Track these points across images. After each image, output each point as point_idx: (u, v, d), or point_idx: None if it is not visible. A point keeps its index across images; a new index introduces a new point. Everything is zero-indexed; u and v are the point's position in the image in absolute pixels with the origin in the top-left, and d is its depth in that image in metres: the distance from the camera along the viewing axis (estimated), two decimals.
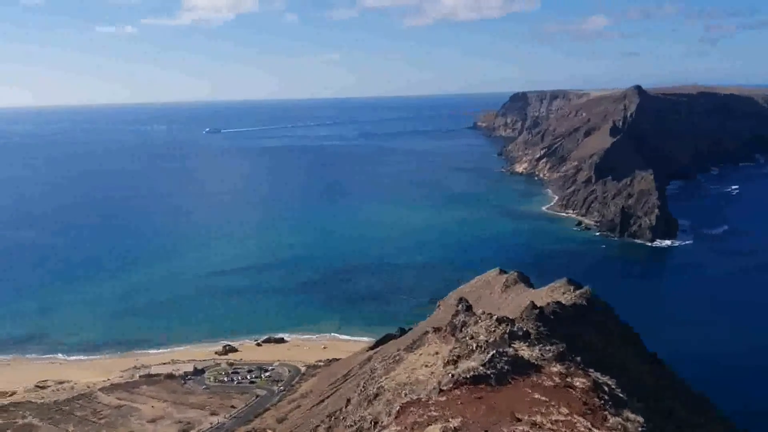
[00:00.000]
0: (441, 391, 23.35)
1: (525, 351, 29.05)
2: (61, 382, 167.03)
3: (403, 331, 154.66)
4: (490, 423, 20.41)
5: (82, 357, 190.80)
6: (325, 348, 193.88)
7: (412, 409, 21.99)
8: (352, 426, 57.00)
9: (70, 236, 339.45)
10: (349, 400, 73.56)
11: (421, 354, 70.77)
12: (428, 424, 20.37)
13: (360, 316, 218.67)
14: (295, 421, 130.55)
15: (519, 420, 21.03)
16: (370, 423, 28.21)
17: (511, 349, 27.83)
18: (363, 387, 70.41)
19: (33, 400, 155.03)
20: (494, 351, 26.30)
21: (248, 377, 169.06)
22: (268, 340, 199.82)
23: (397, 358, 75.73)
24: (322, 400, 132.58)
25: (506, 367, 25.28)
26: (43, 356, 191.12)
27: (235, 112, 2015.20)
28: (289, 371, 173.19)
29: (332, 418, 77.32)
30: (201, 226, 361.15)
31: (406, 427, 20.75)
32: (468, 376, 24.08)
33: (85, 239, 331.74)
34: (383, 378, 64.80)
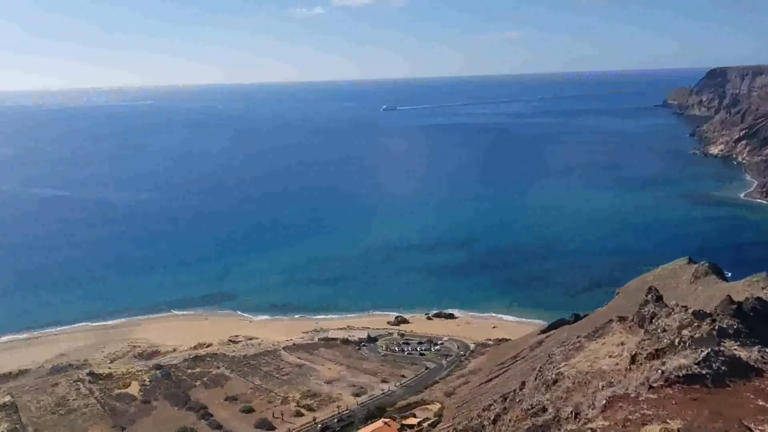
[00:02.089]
0: (651, 387, 21.84)
1: (740, 351, 26.40)
2: (250, 339, 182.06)
3: (577, 317, 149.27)
4: (716, 430, 18.69)
5: (267, 317, 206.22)
6: (494, 327, 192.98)
7: (620, 404, 20.80)
8: (529, 409, 56.04)
9: (263, 205, 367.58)
10: (524, 383, 72.49)
11: (603, 343, 67.55)
12: (643, 424, 19.13)
13: (531, 298, 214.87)
14: (463, 396, 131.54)
15: (750, 430, 19.07)
16: (570, 413, 27.24)
17: (725, 349, 25.40)
18: (540, 371, 68.91)
19: (226, 353, 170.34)
20: (709, 349, 24.15)
21: (418, 349, 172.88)
22: (438, 315, 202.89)
23: (577, 345, 72.95)
24: (491, 379, 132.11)
25: (723, 367, 23.13)
26: (235, 314, 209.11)
27: (414, 89, 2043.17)
28: (458, 347, 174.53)
29: (507, 399, 76.58)
30: (380, 202, 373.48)
31: (616, 423, 19.67)
32: (680, 375, 22.32)
33: (276, 209, 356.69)
34: (562, 364, 62.76)
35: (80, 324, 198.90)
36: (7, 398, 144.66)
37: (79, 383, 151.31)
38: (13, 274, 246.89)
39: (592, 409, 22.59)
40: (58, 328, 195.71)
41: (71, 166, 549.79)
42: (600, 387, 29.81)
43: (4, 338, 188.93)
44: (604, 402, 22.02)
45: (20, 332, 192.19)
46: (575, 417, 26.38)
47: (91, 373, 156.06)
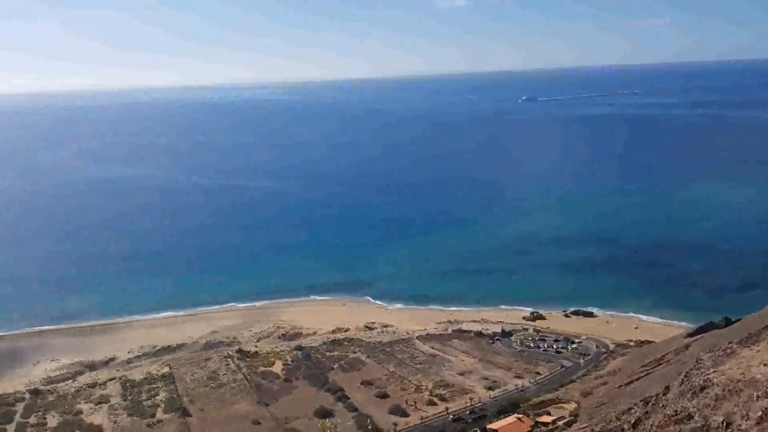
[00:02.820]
0: None
1: None
2: (385, 326, 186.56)
3: (728, 322, 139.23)
4: None
5: (402, 306, 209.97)
6: (636, 328, 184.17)
7: None
8: (673, 416, 53.50)
9: (401, 196, 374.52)
10: (668, 388, 69.06)
11: (758, 350, 63.31)
12: None
13: (676, 299, 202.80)
14: (600, 397, 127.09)
15: None
16: (721, 423, 25.75)
17: None
18: (686, 376, 65.41)
19: (362, 339, 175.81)
20: None
21: (554, 346, 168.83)
22: (576, 313, 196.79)
23: (729, 351, 68.72)
24: (631, 381, 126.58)
25: None
26: (371, 301, 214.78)
27: (553, 80, 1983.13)
28: (597, 346, 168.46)
29: (648, 404, 73.25)
30: (520, 194, 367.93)
31: None
32: None
33: (414, 200, 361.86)
34: (711, 370, 59.35)
35: (230, 304, 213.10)
36: (166, 369, 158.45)
37: (228, 359, 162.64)
38: (178, 256, 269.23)
39: (746, 420, 21.37)
40: (213, 307, 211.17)
41: (233, 156, 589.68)
42: (754, 397, 28.03)
43: (165, 314, 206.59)
44: (759, 413, 20.79)
45: (179, 310, 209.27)
46: (726, 427, 24.75)
47: (239, 351, 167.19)
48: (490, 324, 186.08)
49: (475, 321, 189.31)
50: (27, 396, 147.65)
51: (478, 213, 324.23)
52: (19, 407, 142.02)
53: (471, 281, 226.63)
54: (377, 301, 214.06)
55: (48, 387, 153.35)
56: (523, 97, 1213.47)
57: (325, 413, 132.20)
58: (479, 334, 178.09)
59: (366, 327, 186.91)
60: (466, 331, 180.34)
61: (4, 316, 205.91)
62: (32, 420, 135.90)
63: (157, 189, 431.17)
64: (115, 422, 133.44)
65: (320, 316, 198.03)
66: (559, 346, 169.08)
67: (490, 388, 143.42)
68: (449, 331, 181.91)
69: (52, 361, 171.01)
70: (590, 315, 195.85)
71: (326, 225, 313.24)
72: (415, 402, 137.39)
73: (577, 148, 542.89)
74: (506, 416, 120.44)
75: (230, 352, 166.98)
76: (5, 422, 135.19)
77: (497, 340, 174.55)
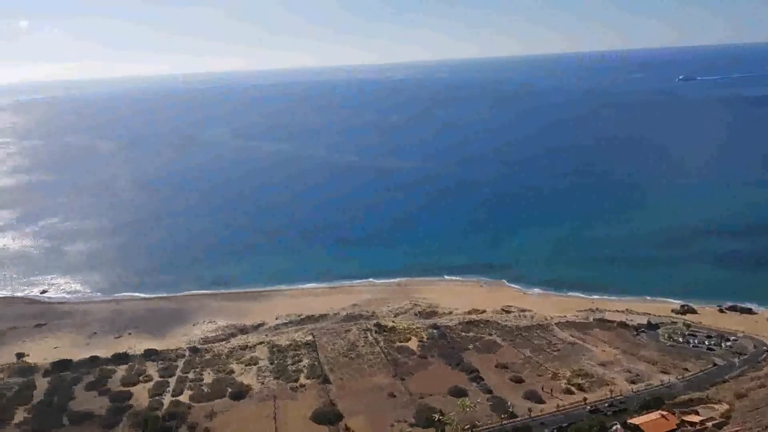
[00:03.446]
0: None
1: None
2: (523, 311, 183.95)
3: None
4: None
5: (540, 291, 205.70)
6: None
7: None
8: None
9: (543, 178, 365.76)
10: None
11: None
12: None
13: None
14: (756, 400, 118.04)
15: None
16: None
17: None
18: None
19: (498, 322, 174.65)
20: None
21: (706, 343, 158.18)
22: (733, 308, 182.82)
23: None
24: None
25: None
26: (509, 285, 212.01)
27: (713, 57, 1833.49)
28: (755, 346, 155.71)
29: None
30: (671, 180, 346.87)
31: None
32: None
33: (558, 183, 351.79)
34: None
35: (368, 280, 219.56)
36: (309, 337, 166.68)
37: (367, 332, 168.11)
38: (325, 231, 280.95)
39: None
40: (353, 282, 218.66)
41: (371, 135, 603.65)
42: None
43: (310, 285, 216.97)
44: None
45: (323, 282, 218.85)
46: None
47: (377, 325, 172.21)
48: (635, 315, 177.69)
49: (618, 311, 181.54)
50: (187, 353, 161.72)
51: (630, 198, 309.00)
52: (180, 363, 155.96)
53: (615, 269, 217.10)
54: (514, 285, 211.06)
55: (205, 346, 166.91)
56: (680, 77, 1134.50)
57: (459, 392, 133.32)
58: (623, 324, 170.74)
59: (503, 310, 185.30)
60: (608, 321, 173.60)
61: (172, 280, 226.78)
62: (191, 375, 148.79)
63: (315, 166, 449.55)
64: (262, 383, 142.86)
65: (456, 297, 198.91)
66: (712, 342, 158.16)
67: (632, 382, 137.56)
68: (590, 319, 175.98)
69: (209, 322, 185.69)
70: (748, 311, 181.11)
71: (470, 206, 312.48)
72: (552, 389, 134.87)
73: (740, 132, 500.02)
74: (649, 412, 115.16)
75: (369, 326, 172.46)
76: (168, 375, 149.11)
77: (642, 332, 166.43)
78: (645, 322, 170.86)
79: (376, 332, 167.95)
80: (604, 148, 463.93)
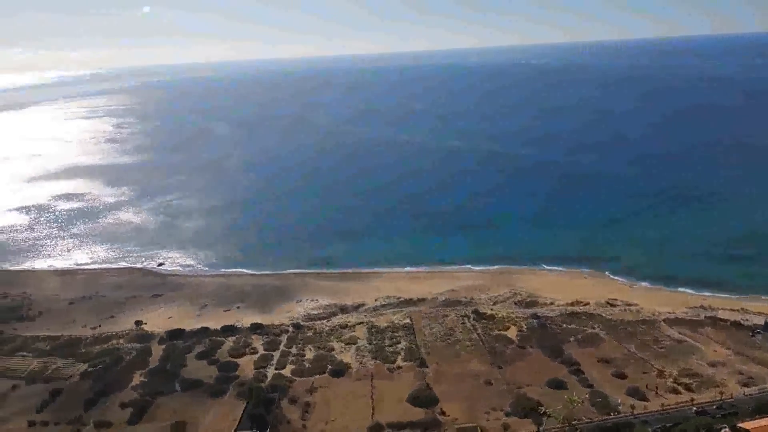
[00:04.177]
0: None
1: None
2: (628, 305, 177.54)
3: None
4: None
5: (648, 285, 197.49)
6: None
7: None
8: None
9: (669, 167, 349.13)
10: None
11: None
12: None
13: None
14: None
15: None
16: None
17: None
18: None
19: (602, 315, 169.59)
20: None
21: None
22: None
23: None
24: None
25: None
26: (613, 278, 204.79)
27: None
28: None
29: None
30: None
31: None
32: None
33: (684, 175, 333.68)
34: None
35: (466, 266, 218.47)
36: (407, 320, 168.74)
37: (465, 318, 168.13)
38: (421, 214, 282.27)
39: None
40: (452, 267, 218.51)
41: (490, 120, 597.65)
42: None
43: (409, 269, 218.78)
44: None
45: (421, 266, 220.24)
46: None
47: (475, 312, 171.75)
48: (751, 315, 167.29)
49: (733, 310, 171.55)
50: (290, 329, 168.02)
51: (758, 195, 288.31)
52: (284, 338, 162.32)
53: (729, 266, 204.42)
54: (619, 278, 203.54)
55: (307, 323, 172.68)
56: None
57: (558, 384, 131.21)
58: (737, 324, 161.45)
59: (607, 303, 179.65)
60: (721, 320, 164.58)
61: (277, 258, 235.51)
62: (293, 350, 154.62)
63: (424, 151, 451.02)
64: (361, 362, 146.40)
65: (558, 287, 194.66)
66: None
67: (745, 384, 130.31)
68: (701, 317, 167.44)
69: (311, 300, 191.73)
70: None
71: (575, 195, 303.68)
72: (656, 387, 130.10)
73: None
74: (763, 417, 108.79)
75: (467, 312, 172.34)
76: (272, 349, 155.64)
77: (758, 333, 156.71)
78: (762, 322, 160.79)
79: (474, 319, 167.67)
80: (744, 137, 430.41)
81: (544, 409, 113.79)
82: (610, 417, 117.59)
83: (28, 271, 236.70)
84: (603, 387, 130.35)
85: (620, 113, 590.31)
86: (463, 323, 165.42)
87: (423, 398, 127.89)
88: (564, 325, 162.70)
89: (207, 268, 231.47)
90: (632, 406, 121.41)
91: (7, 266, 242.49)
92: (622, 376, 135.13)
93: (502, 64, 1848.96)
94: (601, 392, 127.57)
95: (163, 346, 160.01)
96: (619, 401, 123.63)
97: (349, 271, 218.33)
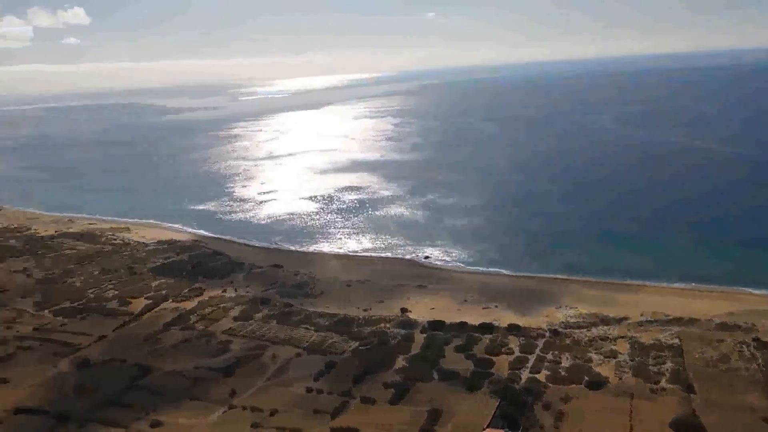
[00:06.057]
0: None
1: None
2: None
3: None
4: None
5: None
6: None
7: None
8: None
9: None
10: None
11: None
12: None
13: None
14: None
15: None
16: None
17: None
18: None
19: None
20: None
21: None
22: None
23: None
24: None
25: None
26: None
27: None
28: None
29: None
30: None
31: None
32: None
33: None
34: None
35: (746, 288, 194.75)
36: (675, 341, 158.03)
37: (743, 345, 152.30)
38: (692, 225, 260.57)
39: None
40: (730, 287, 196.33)
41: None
42: None
43: (679, 285, 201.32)
44: None
45: (691, 282, 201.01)
46: None
47: (757, 340, 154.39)
48: None
49: None
50: (548, 334, 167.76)
51: None
52: (540, 342, 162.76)
53: None
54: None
55: (565, 330, 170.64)
56: None
57: None
58: None
59: None
60: None
61: (536, 261, 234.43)
62: (549, 356, 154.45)
63: (706, 159, 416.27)
64: (620, 378, 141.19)
65: None
66: None
67: None
68: None
69: (571, 308, 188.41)
70: None
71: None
72: None
73: None
74: None
75: (746, 339, 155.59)
76: (528, 352, 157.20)
77: None
78: None
79: (755, 347, 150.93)
80: None
81: None
82: None
83: (314, 253, 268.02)
84: None
85: None
86: (741, 350, 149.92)
87: (689, 426, 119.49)
88: None
89: (468, 265, 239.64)
90: None
91: (299, 248, 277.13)
92: None
93: None
94: None
95: (425, 335, 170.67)
96: None
97: (613, 281, 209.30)
